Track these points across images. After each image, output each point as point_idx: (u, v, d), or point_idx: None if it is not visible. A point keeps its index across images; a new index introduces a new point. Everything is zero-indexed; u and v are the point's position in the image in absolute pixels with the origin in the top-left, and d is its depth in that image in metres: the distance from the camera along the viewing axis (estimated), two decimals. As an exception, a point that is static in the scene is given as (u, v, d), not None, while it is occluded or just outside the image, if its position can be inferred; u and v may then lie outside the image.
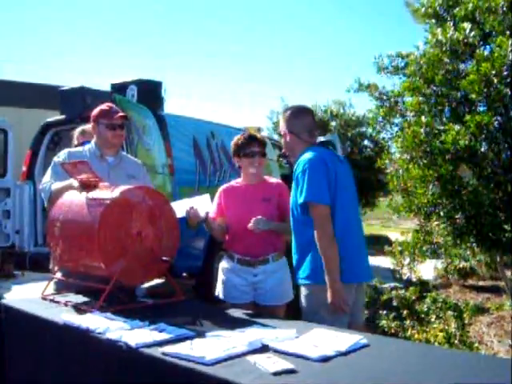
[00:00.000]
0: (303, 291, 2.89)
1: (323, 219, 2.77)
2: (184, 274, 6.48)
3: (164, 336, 2.13)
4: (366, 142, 16.32)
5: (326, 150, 2.99)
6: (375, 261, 10.05)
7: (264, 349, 2.00)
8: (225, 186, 3.49)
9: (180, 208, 3.21)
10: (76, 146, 4.16)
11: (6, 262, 7.28)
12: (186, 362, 1.86)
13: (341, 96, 18.16)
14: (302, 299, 2.90)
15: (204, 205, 3.22)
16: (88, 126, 4.29)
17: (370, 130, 13.81)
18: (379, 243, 12.02)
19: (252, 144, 3.29)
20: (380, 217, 21.86)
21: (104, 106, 3.44)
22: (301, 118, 3.05)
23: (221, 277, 3.38)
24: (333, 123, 16.12)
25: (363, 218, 19.37)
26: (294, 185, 2.92)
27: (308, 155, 2.87)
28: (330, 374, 1.78)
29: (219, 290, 3.37)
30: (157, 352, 1.97)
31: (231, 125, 8.10)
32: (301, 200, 2.82)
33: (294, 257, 2.96)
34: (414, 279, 7.81)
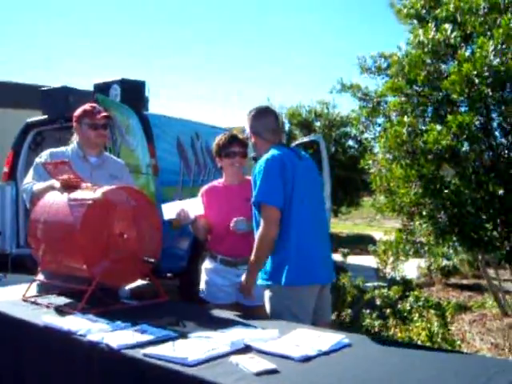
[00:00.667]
0: (266, 293, 2.89)
1: (270, 221, 2.78)
2: (168, 275, 6.46)
3: (146, 337, 2.12)
4: (350, 142, 16.39)
5: (285, 149, 2.99)
6: (359, 260, 10.11)
7: (247, 349, 2.00)
8: (206, 186, 3.49)
9: (170, 210, 3.21)
10: None
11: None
12: (168, 363, 1.86)
13: (325, 96, 18.23)
14: (266, 301, 2.88)
15: (195, 208, 3.24)
16: None
17: (353, 130, 13.88)
18: (363, 242, 12.08)
19: (233, 144, 3.30)
20: (364, 216, 21.99)
21: (87, 106, 3.42)
22: (262, 119, 3.06)
23: (204, 277, 3.38)
24: (317, 123, 16.16)
25: (348, 217, 19.52)
26: (252, 185, 2.93)
27: (266, 155, 2.89)
28: (312, 373, 1.78)
29: (203, 291, 3.37)
30: (139, 353, 1.97)
31: (216, 125, 8.08)
32: (253, 199, 2.86)
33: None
34: (398, 278, 7.85)
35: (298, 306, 2.79)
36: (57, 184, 2.98)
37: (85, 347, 2.16)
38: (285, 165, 2.85)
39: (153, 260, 2.84)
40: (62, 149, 3.44)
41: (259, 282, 2.92)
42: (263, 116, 3.08)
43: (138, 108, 6.24)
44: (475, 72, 4.50)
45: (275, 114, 3.18)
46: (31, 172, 3.34)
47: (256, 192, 2.82)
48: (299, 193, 2.85)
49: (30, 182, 3.27)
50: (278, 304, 2.81)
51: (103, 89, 6.33)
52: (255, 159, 3.12)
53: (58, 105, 6.28)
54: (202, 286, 3.38)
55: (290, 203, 2.81)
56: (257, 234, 2.83)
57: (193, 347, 1.97)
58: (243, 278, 3.00)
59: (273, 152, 2.89)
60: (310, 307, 2.85)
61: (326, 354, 1.96)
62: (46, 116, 6.65)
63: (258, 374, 1.74)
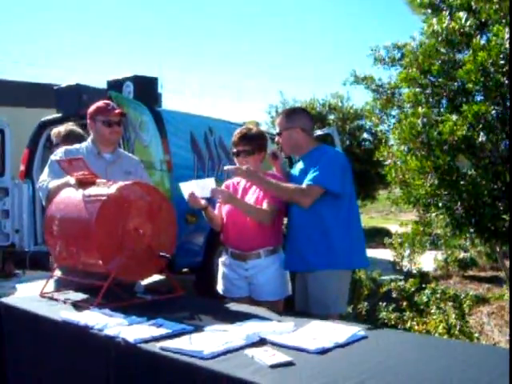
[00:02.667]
0: (331, 278, 3.01)
1: (312, 195, 2.99)
2: (184, 270, 6.49)
3: (162, 331, 2.13)
4: (365, 135, 16.30)
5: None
6: (375, 253, 10.07)
7: (262, 342, 1.99)
8: (227, 181, 3.50)
9: (187, 189, 3.17)
10: (54, 146, 4.18)
11: (7, 262, 7.27)
12: (184, 356, 1.86)
13: (339, 89, 18.16)
14: (333, 286, 3.02)
15: (208, 188, 3.18)
16: (64, 127, 4.30)
17: (368, 123, 13.81)
18: (379, 235, 12.04)
19: (237, 144, 3.29)
20: (380, 209, 21.91)
21: (101, 103, 3.43)
22: (309, 118, 3.32)
23: (220, 271, 3.39)
24: (331, 116, 16.09)
25: (363, 211, 19.45)
26: (310, 167, 3.06)
27: (330, 149, 3.30)
28: (328, 366, 1.78)
29: (218, 285, 3.38)
30: (155, 347, 1.97)
31: (229, 120, 8.08)
32: (311, 180, 2.99)
33: (304, 243, 3.08)
34: (414, 271, 7.81)
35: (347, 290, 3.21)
36: (72, 181, 3.00)
37: (102, 341, 2.17)
38: (347, 163, 3.16)
39: (168, 255, 2.85)
40: (77, 146, 3.46)
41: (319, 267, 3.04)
42: (307, 114, 3.36)
43: (151, 104, 6.26)
44: (490, 60, 4.44)
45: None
46: (46, 169, 3.37)
47: (317, 175, 2.99)
48: (352, 190, 3.16)
49: (45, 179, 3.30)
50: (345, 287, 3.15)
51: (116, 86, 6.36)
52: (274, 155, 3.38)
53: (71, 103, 6.30)
54: (219, 280, 3.39)
55: (350, 198, 3.11)
56: (296, 189, 3.03)
57: (208, 340, 1.97)
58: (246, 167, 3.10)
59: (337, 149, 3.18)
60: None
61: (342, 346, 1.96)
62: (59, 114, 6.69)
63: (274, 367, 1.73)
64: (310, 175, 3.01)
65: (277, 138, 3.33)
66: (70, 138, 4.13)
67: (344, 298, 3.17)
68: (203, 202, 3.18)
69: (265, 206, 3.16)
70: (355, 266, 3.40)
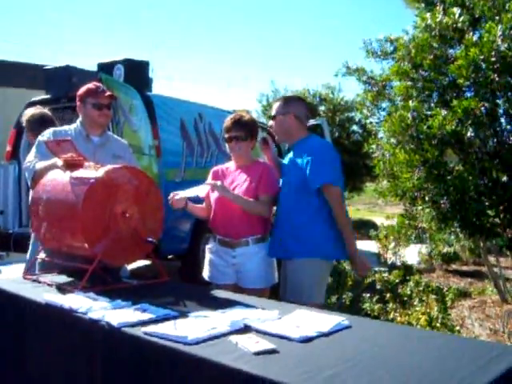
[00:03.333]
0: (310, 267, 3.05)
1: (340, 198, 3.06)
2: (170, 256, 6.48)
3: (147, 316, 2.13)
4: (354, 127, 16.35)
5: None
6: (360, 245, 10.10)
7: (246, 329, 2.00)
8: (215, 167, 3.49)
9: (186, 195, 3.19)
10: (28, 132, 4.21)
11: (-10, 243, 7.21)
12: (168, 341, 1.86)
13: (331, 80, 18.16)
14: (309, 275, 3.05)
15: (203, 188, 3.23)
16: (35, 111, 4.30)
17: (358, 115, 13.84)
18: (365, 227, 12.11)
19: (229, 129, 3.29)
20: (367, 202, 22.02)
21: (91, 85, 3.39)
22: (305, 107, 3.35)
23: (206, 258, 3.39)
24: (321, 107, 16.09)
25: (350, 203, 19.54)
26: (304, 162, 3.06)
27: (323, 141, 3.35)
28: (312, 354, 1.79)
29: (205, 271, 3.38)
30: (139, 332, 1.97)
31: (220, 107, 8.04)
32: (321, 180, 3.02)
33: (287, 230, 3.10)
34: (399, 263, 7.87)
35: (325, 282, 3.29)
36: (59, 162, 2.97)
37: (86, 325, 2.16)
38: (337, 153, 3.21)
39: (154, 240, 2.85)
40: (65, 127, 3.43)
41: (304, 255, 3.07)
42: (303, 103, 3.39)
43: (142, 89, 6.21)
44: (482, 57, 4.46)
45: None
46: (34, 150, 3.33)
47: (323, 174, 3.02)
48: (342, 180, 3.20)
49: (32, 160, 3.26)
50: (322, 278, 3.19)
51: (107, 68, 6.29)
52: (264, 140, 3.40)
53: (60, 84, 6.24)
54: (205, 266, 3.39)
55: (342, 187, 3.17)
56: (336, 213, 3.04)
57: (193, 326, 1.98)
58: (356, 263, 3.16)
59: (325, 140, 3.20)
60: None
61: (326, 335, 1.96)
62: (48, 95, 6.62)
63: (257, 354, 1.74)
64: (315, 176, 3.03)
65: (270, 122, 3.37)
66: (40, 122, 4.16)
67: (321, 288, 3.18)
68: (182, 202, 3.19)
69: (262, 197, 3.18)
70: (334, 257, 3.41)
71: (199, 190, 3.23)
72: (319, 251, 3.07)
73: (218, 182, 3.17)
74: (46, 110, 4.45)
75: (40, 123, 4.17)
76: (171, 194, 3.16)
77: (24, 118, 4.39)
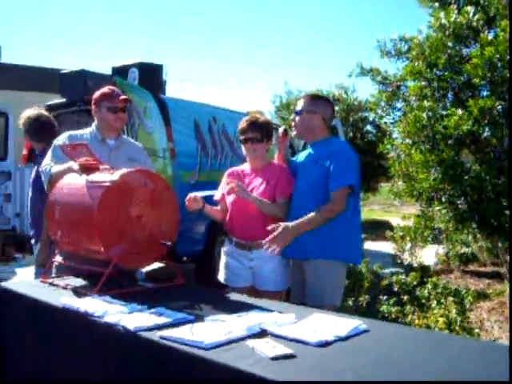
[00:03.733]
0: (329, 269, 3.04)
1: (344, 202, 3.01)
2: (185, 259, 6.49)
3: (163, 320, 2.12)
4: (368, 127, 16.27)
5: None
6: (376, 246, 10.07)
7: (263, 333, 1.99)
8: (231, 169, 3.49)
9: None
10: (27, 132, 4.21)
11: (7, 246, 7.28)
12: (184, 346, 1.86)
13: (344, 81, 18.10)
14: (329, 277, 3.04)
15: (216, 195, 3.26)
16: (32, 112, 4.27)
17: (372, 115, 13.77)
18: (381, 228, 12.02)
19: (245, 131, 3.28)
20: (382, 202, 21.89)
21: (106, 89, 3.40)
22: (332, 109, 3.34)
23: (222, 260, 3.38)
24: (335, 108, 16.04)
25: (365, 203, 19.44)
26: (326, 162, 3.06)
27: (345, 144, 3.32)
28: (329, 359, 1.77)
29: (220, 274, 3.37)
30: (155, 336, 1.97)
31: (233, 109, 8.05)
32: (347, 182, 3.01)
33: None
34: (415, 264, 7.80)
35: (342, 284, 3.22)
36: (75, 166, 2.98)
37: (102, 329, 2.16)
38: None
39: (169, 243, 2.84)
40: (81, 131, 3.44)
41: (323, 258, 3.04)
42: (331, 106, 3.38)
43: (156, 91, 6.23)
44: (497, 56, 4.41)
45: None
46: (49, 154, 3.35)
47: (350, 176, 3.03)
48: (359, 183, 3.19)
49: (48, 163, 3.28)
50: (341, 280, 3.17)
51: (121, 72, 6.33)
52: (285, 132, 3.43)
53: (76, 88, 6.28)
54: (220, 268, 3.38)
55: (357, 192, 3.14)
56: (329, 208, 2.99)
57: (209, 331, 1.97)
58: (278, 231, 2.95)
59: (346, 143, 3.36)
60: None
61: (344, 339, 1.94)
62: (64, 99, 6.66)
63: (274, 359, 1.73)
64: (336, 178, 3.02)
65: (293, 116, 3.34)
66: (37, 123, 4.14)
67: (339, 290, 3.17)
68: (199, 204, 3.17)
69: (279, 199, 3.18)
70: (352, 261, 3.40)
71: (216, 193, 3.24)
72: (339, 253, 3.05)
73: (239, 183, 3.17)
74: (43, 111, 4.38)
75: (37, 124, 4.15)
76: (188, 196, 3.15)
77: (21, 121, 4.31)
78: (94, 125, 3.43)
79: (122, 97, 3.36)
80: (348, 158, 3.09)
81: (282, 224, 2.95)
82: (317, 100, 3.31)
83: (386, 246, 9.12)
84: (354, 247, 3.13)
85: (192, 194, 3.16)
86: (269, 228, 2.92)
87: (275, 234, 2.90)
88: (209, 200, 3.36)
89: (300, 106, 3.28)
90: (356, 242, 3.15)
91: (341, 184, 3.00)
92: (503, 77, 4.55)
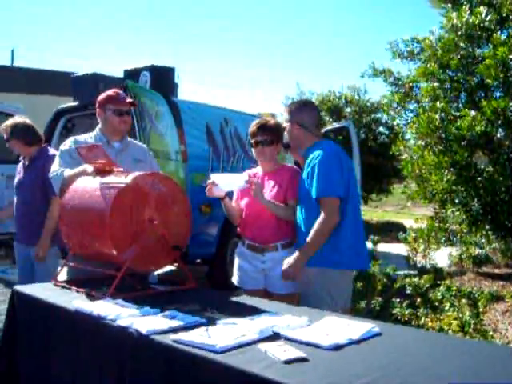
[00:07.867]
0: (317, 276, 2.93)
1: (332, 211, 2.89)
2: (197, 261, 6.50)
3: (175, 323, 2.13)
4: (381, 129, 16.20)
5: (336, 145, 3.12)
6: (389, 248, 10.01)
7: (275, 337, 1.98)
8: (244, 172, 3.48)
9: (217, 180, 3.13)
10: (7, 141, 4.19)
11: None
12: (196, 349, 1.86)
13: (356, 82, 18.06)
14: (315, 284, 2.94)
15: (236, 183, 3.16)
16: (16, 120, 4.27)
17: (385, 117, 13.72)
18: (394, 230, 11.96)
19: (255, 134, 3.28)
20: (395, 203, 21.80)
21: (111, 92, 3.39)
22: (309, 112, 3.17)
23: (235, 263, 3.39)
24: (347, 109, 16.00)
25: (378, 204, 19.37)
26: (306, 174, 3.00)
27: (323, 149, 2.99)
28: (342, 362, 1.76)
29: (234, 276, 3.38)
30: (168, 339, 1.97)
31: (245, 111, 8.06)
32: (314, 195, 2.92)
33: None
34: (428, 266, 7.75)
35: (341, 290, 3.02)
36: (89, 169, 2.99)
37: (114, 332, 2.17)
38: (341, 158, 3.00)
39: (182, 246, 2.85)
40: (85, 136, 3.44)
41: (310, 266, 2.95)
42: (310, 109, 3.21)
43: (168, 94, 6.25)
44: (511, 56, 4.38)
45: (317, 108, 3.34)
46: (57, 160, 3.34)
47: (315, 188, 2.91)
48: (353, 185, 3.01)
49: (57, 169, 3.26)
50: (339, 287, 2.98)
51: (133, 75, 6.36)
52: (287, 146, 3.25)
53: (88, 91, 6.31)
54: (234, 271, 3.39)
55: (347, 194, 2.95)
56: (318, 222, 2.89)
57: (221, 334, 1.96)
58: (287, 262, 2.96)
59: (328, 146, 3.03)
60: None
61: (356, 342, 1.94)
62: (76, 102, 6.71)
63: (287, 362, 1.72)
64: (313, 189, 2.93)
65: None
66: (17, 130, 4.15)
67: (337, 299, 2.98)
68: (222, 192, 3.16)
69: (291, 202, 3.17)
70: (357, 267, 3.31)
71: (234, 179, 3.17)
72: (343, 262, 2.96)
73: (259, 182, 3.17)
74: (25, 118, 4.36)
75: (26, 128, 4.17)
76: (208, 180, 3.12)
77: (2, 128, 4.24)
78: (97, 128, 3.42)
79: (127, 100, 3.37)
80: (322, 167, 2.92)
81: (285, 261, 2.98)
82: (292, 108, 3.20)
83: (399, 248, 9.07)
84: (358, 253, 3.02)
85: (213, 177, 3.13)
86: None
87: (284, 269, 2.96)
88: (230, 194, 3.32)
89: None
90: (359, 247, 3.02)
91: (315, 196, 2.92)
92: (517, 77, 4.52)
